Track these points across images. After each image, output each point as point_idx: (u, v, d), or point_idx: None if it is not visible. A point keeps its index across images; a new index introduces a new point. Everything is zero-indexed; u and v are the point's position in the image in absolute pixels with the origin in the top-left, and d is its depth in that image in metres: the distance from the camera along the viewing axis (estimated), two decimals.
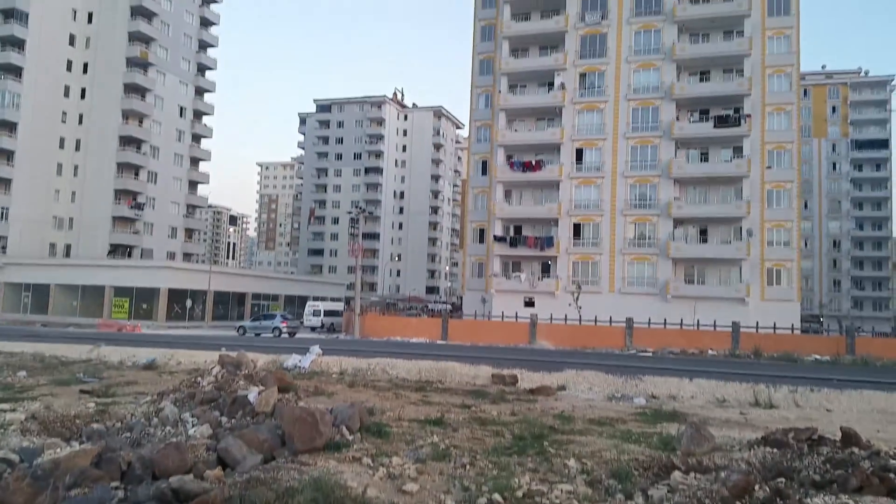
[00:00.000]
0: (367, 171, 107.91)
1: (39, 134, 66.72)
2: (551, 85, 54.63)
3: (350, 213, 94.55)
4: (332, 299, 63.11)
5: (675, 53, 51.11)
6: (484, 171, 57.32)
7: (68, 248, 69.50)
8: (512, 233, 54.41)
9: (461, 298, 64.45)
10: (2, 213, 64.76)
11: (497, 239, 53.38)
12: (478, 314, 50.66)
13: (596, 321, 41.95)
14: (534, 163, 53.73)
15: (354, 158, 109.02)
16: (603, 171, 52.10)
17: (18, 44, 65.76)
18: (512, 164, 54.26)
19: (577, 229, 52.43)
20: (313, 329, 50.61)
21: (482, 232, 57.00)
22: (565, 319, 43.95)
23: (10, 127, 65.22)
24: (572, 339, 38.78)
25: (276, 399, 12.22)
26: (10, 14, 65.75)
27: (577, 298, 47.16)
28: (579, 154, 52.94)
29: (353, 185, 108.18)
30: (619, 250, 51.26)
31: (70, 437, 9.81)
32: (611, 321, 40.20)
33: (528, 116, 56.15)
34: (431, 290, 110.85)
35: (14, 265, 63.06)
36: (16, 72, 65.62)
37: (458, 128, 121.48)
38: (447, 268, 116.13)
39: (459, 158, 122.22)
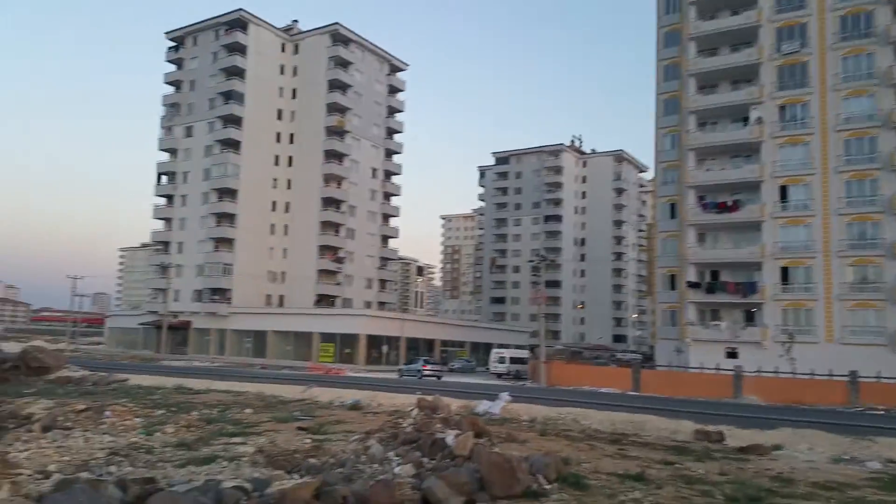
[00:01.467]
0: (546, 219, 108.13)
1: (255, 199, 75.56)
2: (745, 120, 51.31)
3: (531, 261, 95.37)
4: (517, 346, 63.33)
5: (892, 77, 45.77)
6: (673, 215, 54.82)
7: (281, 298, 77.10)
8: (708, 278, 51.03)
9: (652, 348, 61.36)
10: (227, 269, 73.72)
11: (691, 285, 50.36)
12: (672, 364, 47.80)
13: (812, 374, 37.70)
14: (730, 203, 50.40)
15: (533, 207, 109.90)
16: (812, 208, 47.44)
17: (236, 121, 75.64)
18: (705, 205, 51.34)
19: (784, 273, 47.93)
20: (499, 376, 51.02)
21: (673, 278, 54.15)
22: (776, 372, 40.01)
23: (232, 194, 74.66)
24: (784, 393, 35.07)
25: (473, 443, 12.39)
26: (230, 95, 76.06)
27: (790, 349, 42.67)
28: (783, 191, 48.77)
29: (533, 233, 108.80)
30: (837, 296, 45.91)
31: (291, 470, 10.65)
32: (830, 374, 35.88)
33: (721, 154, 52.99)
34: (618, 338, 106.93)
35: (238, 314, 71.33)
36: (235, 146, 75.37)
37: (640, 171, 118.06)
38: (634, 315, 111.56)
39: (644, 202, 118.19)
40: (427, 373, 48.02)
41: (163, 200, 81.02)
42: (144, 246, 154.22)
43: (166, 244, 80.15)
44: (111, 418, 14.82)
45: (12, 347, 56.52)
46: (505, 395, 21.94)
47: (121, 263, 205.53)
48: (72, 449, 11.42)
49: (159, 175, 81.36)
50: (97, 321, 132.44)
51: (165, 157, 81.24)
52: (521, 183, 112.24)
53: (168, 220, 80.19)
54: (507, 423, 18.48)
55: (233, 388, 26.35)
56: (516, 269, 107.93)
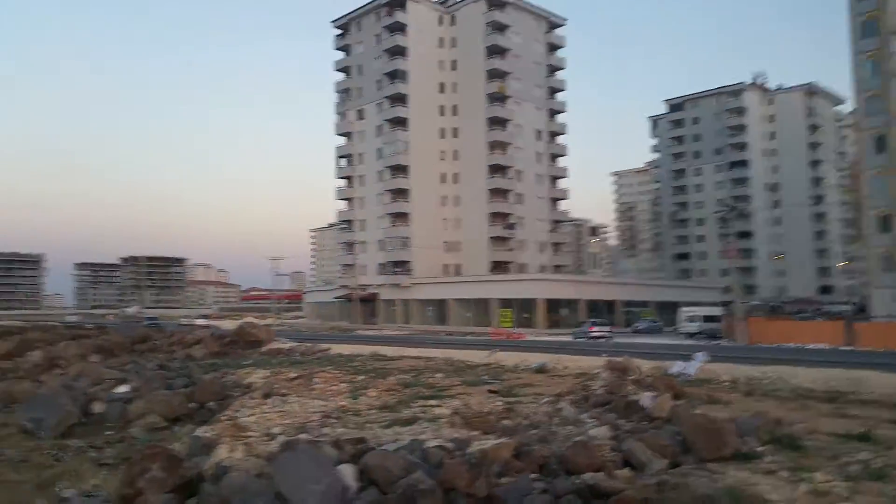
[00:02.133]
0: (731, 166, 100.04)
1: (425, 173, 77.87)
2: None
3: (717, 212, 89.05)
4: (709, 304, 59.65)
5: None
6: (881, 148, 48.24)
7: (458, 267, 79.35)
8: None
9: (866, 297, 54.95)
10: (405, 243, 77.13)
11: None
12: (892, 314, 42.40)
13: None
14: None
15: (715, 154, 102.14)
16: None
17: (402, 99, 78.10)
18: None
19: None
20: (690, 335, 48.49)
21: (886, 219, 47.80)
22: None
23: (404, 170, 77.59)
24: None
25: (671, 405, 11.86)
26: (394, 75, 78.57)
27: None
28: None
29: (716, 182, 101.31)
30: None
31: (487, 431, 10.90)
32: None
33: None
34: (825, 289, 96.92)
35: (419, 285, 74.66)
36: (403, 123, 77.99)
37: (836, 104, 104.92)
38: (842, 263, 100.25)
39: (844, 138, 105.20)
40: (595, 334, 46.90)
41: (343, 182, 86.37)
42: (331, 226, 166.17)
43: (350, 223, 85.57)
44: (320, 384, 16.13)
45: (228, 325, 64.16)
46: (701, 356, 20.75)
47: (313, 243, 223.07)
48: (290, 413, 12.59)
49: (338, 158, 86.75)
50: (297, 297, 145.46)
51: (342, 140, 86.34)
52: (698, 129, 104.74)
53: (349, 200, 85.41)
54: (705, 384, 17.54)
55: (423, 354, 27.59)
56: (700, 222, 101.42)
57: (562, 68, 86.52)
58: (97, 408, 18.74)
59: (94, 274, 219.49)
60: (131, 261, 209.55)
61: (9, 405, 21.11)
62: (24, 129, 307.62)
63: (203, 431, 12.20)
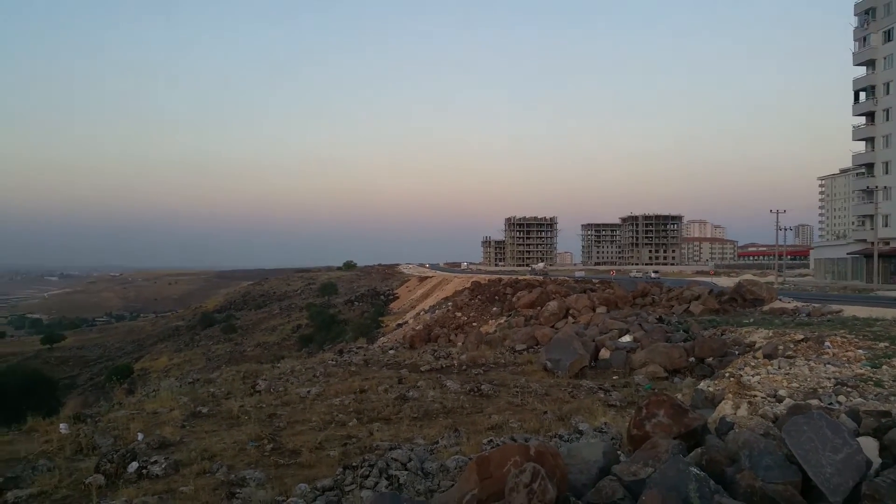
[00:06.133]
0: None
1: None
2: None
3: None
4: None
5: None
6: None
7: None
8: None
9: None
10: None
11: None
12: None
13: None
14: None
15: None
16: None
17: None
18: None
19: None
20: None
21: None
22: None
23: None
24: None
25: None
26: None
27: None
28: None
29: None
30: None
31: None
32: None
33: None
34: None
35: None
36: None
37: None
38: None
39: None
40: None
41: (862, 120, 74.36)
42: (844, 171, 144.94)
43: (870, 166, 73.41)
44: (831, 349, 14.53)
45: (724, 282, 62.44)
46: None
47: (821, 192, 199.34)
48: (798, 377, 11.71)
49: (856, 93, 74.92)
50: (802, 253, 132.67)
51: (861, 71, 74.09)
52: None
53: (870, 140, 73.13)
54: None
55: None
56: None
57: None
58: (604, 354, 20.90)
59: (598, 233, 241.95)
60: (630, 220, 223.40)
61: (533, 346, 25.28)
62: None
63: (706, 385, 12.39)
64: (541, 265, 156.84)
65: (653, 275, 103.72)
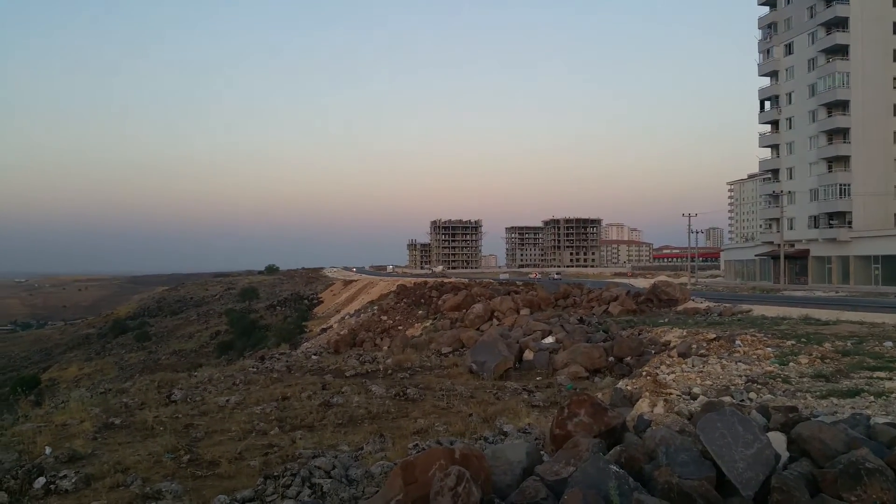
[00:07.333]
0: None
1: (870, 107, 65.60)
2: None
3: None
4: None
5: None
6: None
7: None
8: None
9: None
10: (843, 190, 66.62)
11: None
12: None
13: None
14: None
15: None
16: None
17: (841, 23, 66.48)
18: None
19: None
20: None
21: None
22: None
23: (843, 106, 66.55)
24: None
25: None
26: None
27: None
28: None
29: None
30: None
31: None
32: None
33: None
34: None
35: (861, 238, 63.96)
36: (842, 52, 66.56)
37: None
38: None
39: None
40: None
41: (767, 127, 78.97)
42: (752, 177, 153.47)
43: (775, 172, 78.00)
44: (742, 347, 15.27)
45: (641, 283, 64.86)
46: None
47: (730, 197, 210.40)
48: (711, 374, 12.24)
49: (762, 102, 79.49)
50: (713, 255, 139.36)
51: (766, 81, 78.64)
52: None
53: (775, 147, 77.74)
54: None
55: (865, 318, 23.67)
56: None
57: None
58: (528, 356, 21.25)
59: (521, 236, 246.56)
60: (552, 223, 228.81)
61: (458, 349, 25.44)
62: None
63: (624, 384, 12.77)
64: (440, 268, 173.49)
65: (555, 276, 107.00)
